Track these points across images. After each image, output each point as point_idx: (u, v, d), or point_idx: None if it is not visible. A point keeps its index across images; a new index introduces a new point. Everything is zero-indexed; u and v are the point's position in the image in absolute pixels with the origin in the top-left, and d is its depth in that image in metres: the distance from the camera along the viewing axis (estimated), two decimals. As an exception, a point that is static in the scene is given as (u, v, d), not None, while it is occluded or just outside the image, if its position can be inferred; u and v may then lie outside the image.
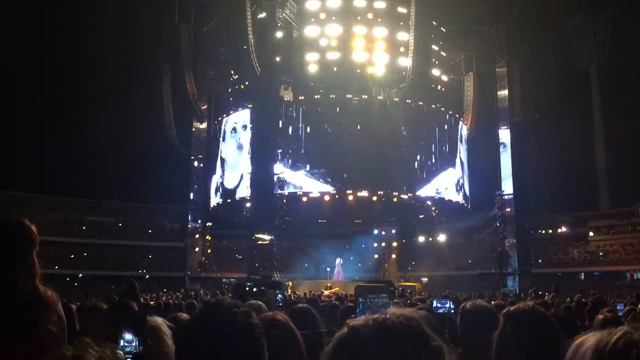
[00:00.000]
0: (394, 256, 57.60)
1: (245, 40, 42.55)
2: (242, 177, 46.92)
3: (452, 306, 5.42)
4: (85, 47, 57.56)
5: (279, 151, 43.29)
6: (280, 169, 43.45)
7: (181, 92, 50.90)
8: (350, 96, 44.93)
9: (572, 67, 61.17)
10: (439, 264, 55.99)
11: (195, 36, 50.33)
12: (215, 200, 51.40)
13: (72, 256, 55.15)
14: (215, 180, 51.31)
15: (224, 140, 50.43)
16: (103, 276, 48.82)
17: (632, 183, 56.84)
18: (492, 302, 11.79)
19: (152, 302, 19.90)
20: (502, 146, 50.63)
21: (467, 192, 51.15)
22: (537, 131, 51.96)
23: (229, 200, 48.64)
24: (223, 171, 49.75)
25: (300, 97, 45.96)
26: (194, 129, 56.12)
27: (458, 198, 49.46)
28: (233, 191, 48.02)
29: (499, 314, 3.07)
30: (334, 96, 44.89)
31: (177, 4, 49.14)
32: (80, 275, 53.86)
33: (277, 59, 44.07)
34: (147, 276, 55.55)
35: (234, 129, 49.04)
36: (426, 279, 55.75)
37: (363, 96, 45.25)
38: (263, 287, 24.68)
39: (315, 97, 45.39)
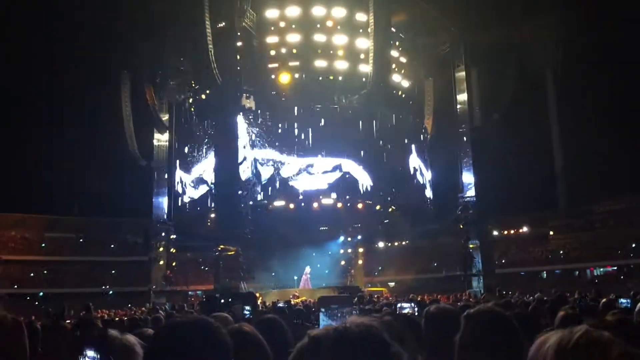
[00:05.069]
0: (360, 262, 57.75)
1: (205, 49, 42.30)
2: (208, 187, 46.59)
3: (415, 306, 5.54)
4: (40, 55, 55.70)
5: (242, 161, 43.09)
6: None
7: (141, 103, 50.17)
8: (312, 104, 45.05)
9: (529, 70, 62.47)
10: (405, 268, 56.37)
11: (154, 46, 49.76)
12: (179, 210, 50.82)
13: (32, 274, 53.72)
14: (180, 188, 50.72)
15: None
16: (64, 294, 47.54)
17: (589, 182, 58.19)
18: (458, 303, 11.99)
19: (117, 318, 19.59)
20: (462, 149, 51.34)
21: (430, 195, 51.72)
22: (496, 133, 52.84)
23: (195, 209, 48.18)
24: (184, 183, 49.26)
25: (262, 106, 45.88)
26: (155, 140, 55.23)
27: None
28: (198, 200, 47.65)
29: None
30: (296, 105, 44.90)
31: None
32: (41, 293, 52.44)
33: (238, 68, 43.87)
34: (111, 292, 54.44)
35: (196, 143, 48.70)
36: (393, 283, 56.09)
37: (325, 103, 45.43)
38: (230, 298, 24.46)
39: (277, 106, 45.30)
